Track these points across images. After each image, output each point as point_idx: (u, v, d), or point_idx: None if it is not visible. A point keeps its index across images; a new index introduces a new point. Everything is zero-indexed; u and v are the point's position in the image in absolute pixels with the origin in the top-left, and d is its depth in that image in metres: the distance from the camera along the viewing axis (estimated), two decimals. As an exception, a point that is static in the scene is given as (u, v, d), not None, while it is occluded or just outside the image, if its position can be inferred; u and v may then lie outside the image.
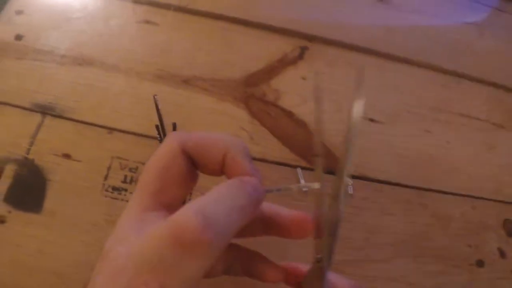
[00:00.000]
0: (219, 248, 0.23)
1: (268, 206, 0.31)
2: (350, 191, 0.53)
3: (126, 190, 0.50)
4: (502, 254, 0.54)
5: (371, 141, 0.56)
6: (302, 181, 0.50)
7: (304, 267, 0.30)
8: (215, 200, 0.24)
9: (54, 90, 0.53)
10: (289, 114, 0.56)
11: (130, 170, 0.51)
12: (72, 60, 0.55)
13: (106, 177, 0.50)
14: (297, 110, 0.56)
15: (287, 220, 0.30)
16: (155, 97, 0.53)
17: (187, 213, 0.22)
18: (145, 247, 0.23)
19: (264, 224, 0.31)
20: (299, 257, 0.32)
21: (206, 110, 0.55)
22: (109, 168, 0.50)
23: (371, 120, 0.57)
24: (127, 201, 0.47)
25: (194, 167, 0.29)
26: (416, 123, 0.58)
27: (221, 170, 0.29)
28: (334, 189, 0.26)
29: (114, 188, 0.49)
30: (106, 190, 0.49)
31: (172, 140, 0.28)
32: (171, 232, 0.22)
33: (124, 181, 0.51)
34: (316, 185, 0.27)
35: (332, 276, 0.29)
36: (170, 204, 0.27)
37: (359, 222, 0.52)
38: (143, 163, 0.51)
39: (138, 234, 0.24)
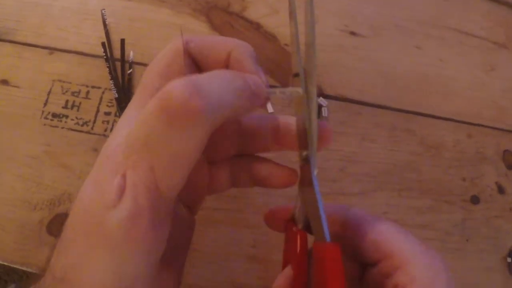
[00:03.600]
0: (209, 121, 0.19)
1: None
2: (325, 113, 0.43)
3: (67, 116, 0.40)
4: (501, 189, 0.43)
5: (351, 57, 0.44)
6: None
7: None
8: (208, 75, 0.20)
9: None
10: (256, 26, 0.44)
11: (73, 94, 0.41)
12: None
13: (45, 103, 0.40)
14: (265, 21, 0.44)
15: (270, 128, 0.27)
16: (103, 11, 0.43)
17: (176, 82, 0.18)
18: (133, 127, 0.20)
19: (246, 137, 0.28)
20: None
21: (161, 24, 0.43)
22: (49, 93, 0.40)
23: (352, 33, 0.44)
24: (68, 129, 0.39)
25: (197, 68, 0.26)
26: (404, 38, 0.46)
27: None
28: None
29: (54, 115, 0.40)
30: (46, 118, 0.40)
31: (174, 41, 0.25)
32: (158, 103, 0.19)
33: (65, 107, 0.40)
34: (299, 91, 0.24)
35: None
36: None
37: (335, 150, 0.40)
38: (87, 86, 0.41)
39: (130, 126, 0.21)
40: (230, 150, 0.28)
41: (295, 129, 0.26)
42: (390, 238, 0.24)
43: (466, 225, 0.41)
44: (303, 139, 0.25)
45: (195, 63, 0.26)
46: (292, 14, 0.24)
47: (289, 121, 0.27)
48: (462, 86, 0.45)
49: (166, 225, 0.21)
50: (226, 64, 0.25)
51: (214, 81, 0.20)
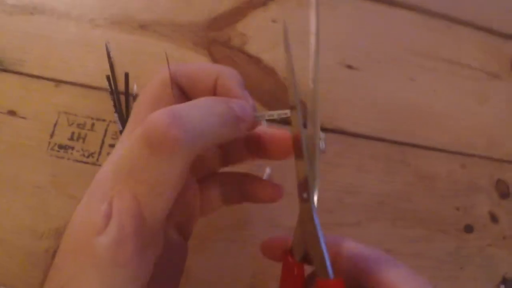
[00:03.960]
0: (189, 149, 0.20)
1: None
2: (322, 146, 0.44)
3: (73, 148, 0.41)
4: (494, 218, 0.43)
5: (347, 90, 0.45)
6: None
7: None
8: (190, 104, 0.21)
9: (0, 42, 0.45)
10: (256, 61, 0.45)
11: (78, 126, 0.42)
12: (21, 9, 0.46)
13: (52, 135, 0.41)
14: (265, 56, 0.45)
15: (268, 137, 0.28)
16: (107, 44, 0.44)
17: (158, 113, 0.20)
18: (120, 156, 0.21)
19: (248, 147, 0.29)
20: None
21: (164, 58, 0.47)
22: (55, 125, 0.42)
23: (348, 66, 0.46)
24: (74, 160, 0.41)
25: (186, 97, 0.26)
26: (398, 70, 0.47)
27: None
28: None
29: (60, 146, 0.41)
30: (52, 149, 0.41)
31: (161, 71, 0.26)
32: (142, 133, 0.20)
33: (71, 138, 0.41)
34: (287, 113, 0.25)
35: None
36: None
37: (331, 181, 0.41)
38: (92, 118, 0.42)
39: None
40: (216, 164, 0.30)
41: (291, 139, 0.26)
42: (396, 282, 0.24)
43: (460, 253, 0.42)
44: (298, 150, 0.25)
45: (184, 92, 0.26)
46: (286, 46, 0.24)
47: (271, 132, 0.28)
48: (456, 116, 0.46)
49: (152, 250, 0.22)
50: (214, 91, 0.26)
51: (195, 109, 0.21)
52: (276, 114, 0.25)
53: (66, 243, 0.22)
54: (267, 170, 0.39)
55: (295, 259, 0.27)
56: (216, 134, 0.22)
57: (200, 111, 0.21)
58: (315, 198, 0.25)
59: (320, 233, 0.25)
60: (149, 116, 0.20)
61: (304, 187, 0.25)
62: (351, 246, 0.27)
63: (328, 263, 0.24)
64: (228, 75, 0.25)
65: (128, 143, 0.21)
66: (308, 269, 0.26)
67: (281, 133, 0.27)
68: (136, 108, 0.26)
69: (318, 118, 0.24)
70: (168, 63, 0.26)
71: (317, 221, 0.25)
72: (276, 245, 0.29)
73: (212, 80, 0.25)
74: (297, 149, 0.25)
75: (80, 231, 0.21)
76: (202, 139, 0.21)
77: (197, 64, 0.27)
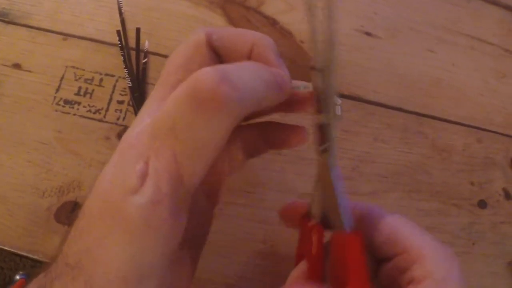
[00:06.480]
0: (237, 110, 0.19)
1: None
2: (338, 112, 0.43)
3: (79, 103, 0.39)
4: (508, 195, 0.42)
5: (366, 57, 0.43)
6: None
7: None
8: (237, 65, 0.20)
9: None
10: (273, 22, 0.43)
11: (86, 81, 0.40)
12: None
13: (58, 89, 0.39)
14: (281, 18, 0.43)
15: (285, 129, 0.27)
16: (119, -1, 0.44)
17: (206, 69, 0.18)
18: (159, 114, 0.19)
19: (265, 139, 0.28)
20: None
21: (178, 15, 0.42)
22: (62, 79, 0.39)
23: (368, 34, 0.44)
24: (80, 116, 0.38)
25: (219, 60, 0.25)
26: (419, 41, 0.45)
27: None
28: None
29: (66, 101, 0.39)
30: (57, 104, 0.39)
31: (197, 32, 0.24)
32: (187, 90, 0.18)
33: (78, 93, 0.39)
34: (309, 86, 0.24)
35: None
36: None
37: (347, 149, 0.39)
38: (101, 73, 0.40)
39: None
40: (239, 157, 0.28)
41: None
42: (406, 233, 0.24)
43: (473, 229, 0.40)
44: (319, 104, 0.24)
45: (217, 56, 0.25)
46: (310, 7, 0.23)
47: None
48: (473, 91, 0.45)
49: (185, 213, 0.21)
50: (249, 57, 0.24)
51: (243, 71, 0.20)
52: (302, 86, 0.24)
53: (92, 204, 0.20)
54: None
55: (313, 222, 0.25)
56: (261, 98, 0.21)
57: (249, 74, 0.20)
58: (334, 150, 0.23)
59: (339, 184, 0.23)
60: (196, 73, 0.18)
61: (323, 139, 0.24)
62: (367, 206, 0.26)
63: (346, 216, 0.23)
64: (265, 43, 0.24)
65: (169, 100, 0.19)
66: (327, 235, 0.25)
67: (296, 125, 0.27)
68: (167, 70, 0.24)
69: (333, 77, 0.23)
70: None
71: (336, 171, 0.23)
72: (294, 210, 0.28)
73: (248, 47, 0.24)
74: (317, 102, 0.24)
75: (110, 191, 0.19)
76: (250, 100, 0.20)
77: (233, 29, 0.25)
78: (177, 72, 0.23)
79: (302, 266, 0.25)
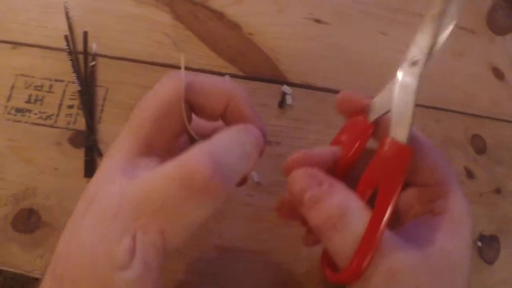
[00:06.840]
0: (224, 195, 0.20)
1: None
2: (289, 101, 0.43)
3: (30, 111, 0.38)
4: (470, 174, 0.42)
5: (316, 44, 0.43)
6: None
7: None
8: (225, 147, 0.21)
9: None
10: (220, 16, 0.42)
11: (36, 88, 0.40)
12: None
13: (9, 98, 0.39)
14: (229, 10, 0.43)
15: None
16: (65, 4, 0.42)
17: (199, 157, 0.19)
18: (146, 189, 0.20)
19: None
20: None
21: (124, 15, 0.42)
22: (12, 88, 0.39)
23: (317, 21, 0.43)
24: (31, 123, 0.39)
25: (191, 112, 0.26)
26: (370, 24, 0.45)
27: (219, 116, 0.26)
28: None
29: (18, 110, 0.39)
30: (9, 113, 0.38)
31: (175, 82, 0.24)
32: (180, 175, 0.19)
33: (29, 101, 0.39)
34: None
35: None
36: (162, 150, 0.24)
37: (300, 138, 0.39)
38: (50, 80, 0.40)
39: (131, 178, 0.21)
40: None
41: None
42: (447, 170, 0.25)
43: (434, 209, 0.40)
44: None
45: (191, 108, 0.25)
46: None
47: None
48: (430, 71, 0.43)
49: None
50: (224, 111, 0.25)
51: (231, 153, 0.21)
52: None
53: (75, 274, 0.20)
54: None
55: (368, 119, 0.26)
56: (245, 171, 0.23)
57: (235, 153, 0.21)
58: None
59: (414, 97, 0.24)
60: (189, 159, 0.20)
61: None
62: (416, 134, 0.26)
63: (410, 127, 0.23)
64: (240, 96, 0.25)
65: (159, 179, 0.20)
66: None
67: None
68: (139, 116, 0.24)
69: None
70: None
71: (417, 83, 0.25)
72: (355, 100, 0.28)
73: (224, 102, 0.25)
74: None
75: (95, 263, 0.20)
76: (237, 180, 0.22)
77: (209, 81, 0.25)
78: (152, 124, 0.23)
79: (336, 149, 0.27)
